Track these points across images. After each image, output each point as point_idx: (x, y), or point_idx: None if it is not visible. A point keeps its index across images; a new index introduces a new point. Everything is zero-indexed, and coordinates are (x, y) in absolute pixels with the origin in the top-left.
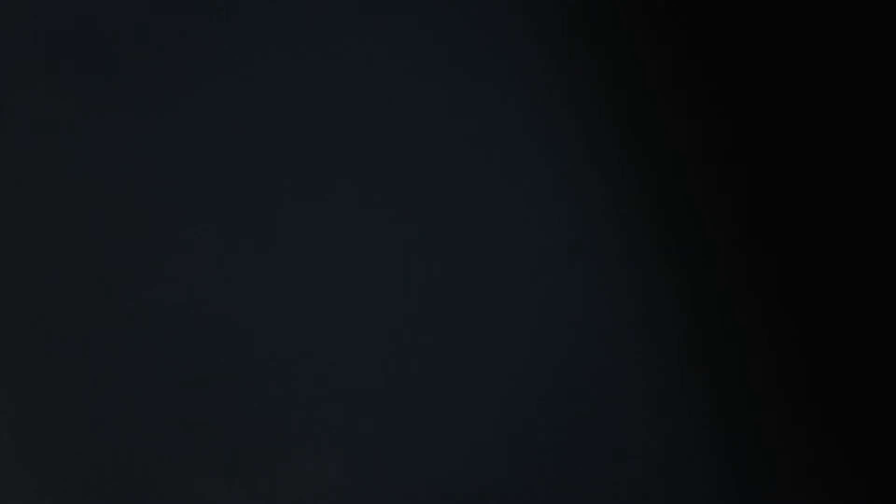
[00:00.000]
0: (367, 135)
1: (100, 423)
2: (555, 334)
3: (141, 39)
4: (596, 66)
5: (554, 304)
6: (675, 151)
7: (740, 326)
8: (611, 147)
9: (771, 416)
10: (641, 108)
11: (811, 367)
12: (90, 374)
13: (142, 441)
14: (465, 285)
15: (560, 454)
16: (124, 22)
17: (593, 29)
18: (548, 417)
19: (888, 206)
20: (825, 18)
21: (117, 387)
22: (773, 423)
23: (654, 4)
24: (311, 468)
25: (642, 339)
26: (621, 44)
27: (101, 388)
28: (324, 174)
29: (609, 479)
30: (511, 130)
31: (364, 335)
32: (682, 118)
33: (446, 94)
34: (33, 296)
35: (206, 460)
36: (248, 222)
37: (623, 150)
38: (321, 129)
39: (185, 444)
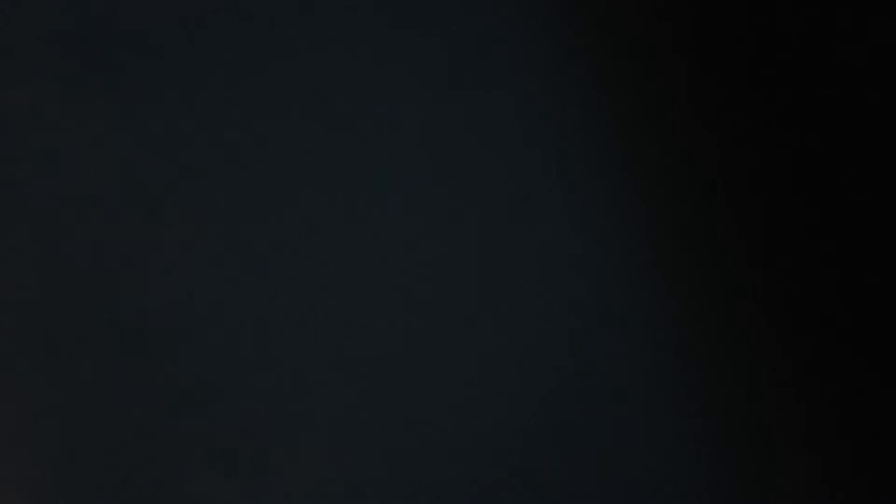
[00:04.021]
0: (368, 137)
1: (100, 423)
2: (555, 335)
3: (143, 39)
4: (596, 67)
5: (555, 304)
6: (676, 152)
7: (741, 326)
8: (611, 149)
9: (771, 416)
10: (642, 109)
11: (812, 367)
12: (90, 375)
13: (142, 441)
14: (467, 285)
15: (560, 454)
16: (126, 21)
17: (593, 29)
18: (548, 418)
19: (888, 206)
20: (825, 18)
21: (117, 387)
22: (774, 423)
23: (654, 4)
24: (312, 468)
25: (643, 339)
26: (621, 44)
27: (102, 389)
28: (324, 175)
29: (609, 479)
30: (511, 132)
31: (365, 335)
32: (684, 118)
33: (447, 97)
34: (34, 296)
35: (206, 460)
36: (249, 223)
37: (624, 151)
38: (322, 129)
39: (186, 444)
